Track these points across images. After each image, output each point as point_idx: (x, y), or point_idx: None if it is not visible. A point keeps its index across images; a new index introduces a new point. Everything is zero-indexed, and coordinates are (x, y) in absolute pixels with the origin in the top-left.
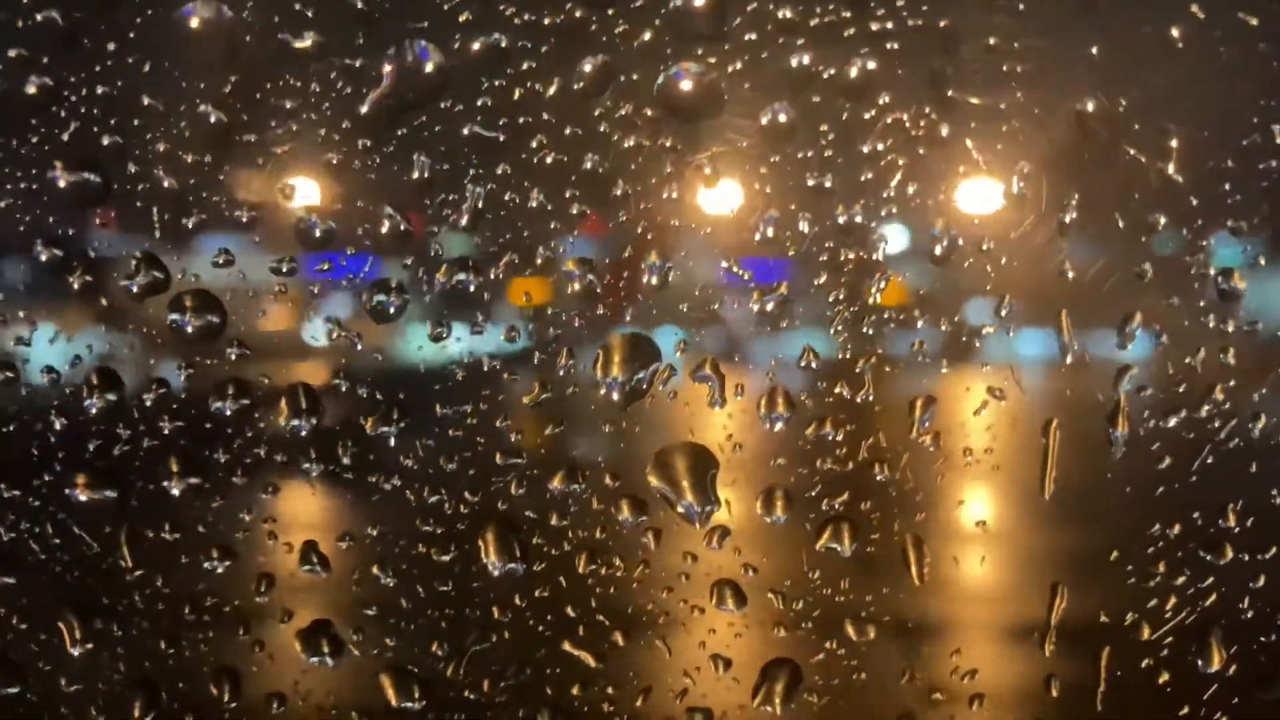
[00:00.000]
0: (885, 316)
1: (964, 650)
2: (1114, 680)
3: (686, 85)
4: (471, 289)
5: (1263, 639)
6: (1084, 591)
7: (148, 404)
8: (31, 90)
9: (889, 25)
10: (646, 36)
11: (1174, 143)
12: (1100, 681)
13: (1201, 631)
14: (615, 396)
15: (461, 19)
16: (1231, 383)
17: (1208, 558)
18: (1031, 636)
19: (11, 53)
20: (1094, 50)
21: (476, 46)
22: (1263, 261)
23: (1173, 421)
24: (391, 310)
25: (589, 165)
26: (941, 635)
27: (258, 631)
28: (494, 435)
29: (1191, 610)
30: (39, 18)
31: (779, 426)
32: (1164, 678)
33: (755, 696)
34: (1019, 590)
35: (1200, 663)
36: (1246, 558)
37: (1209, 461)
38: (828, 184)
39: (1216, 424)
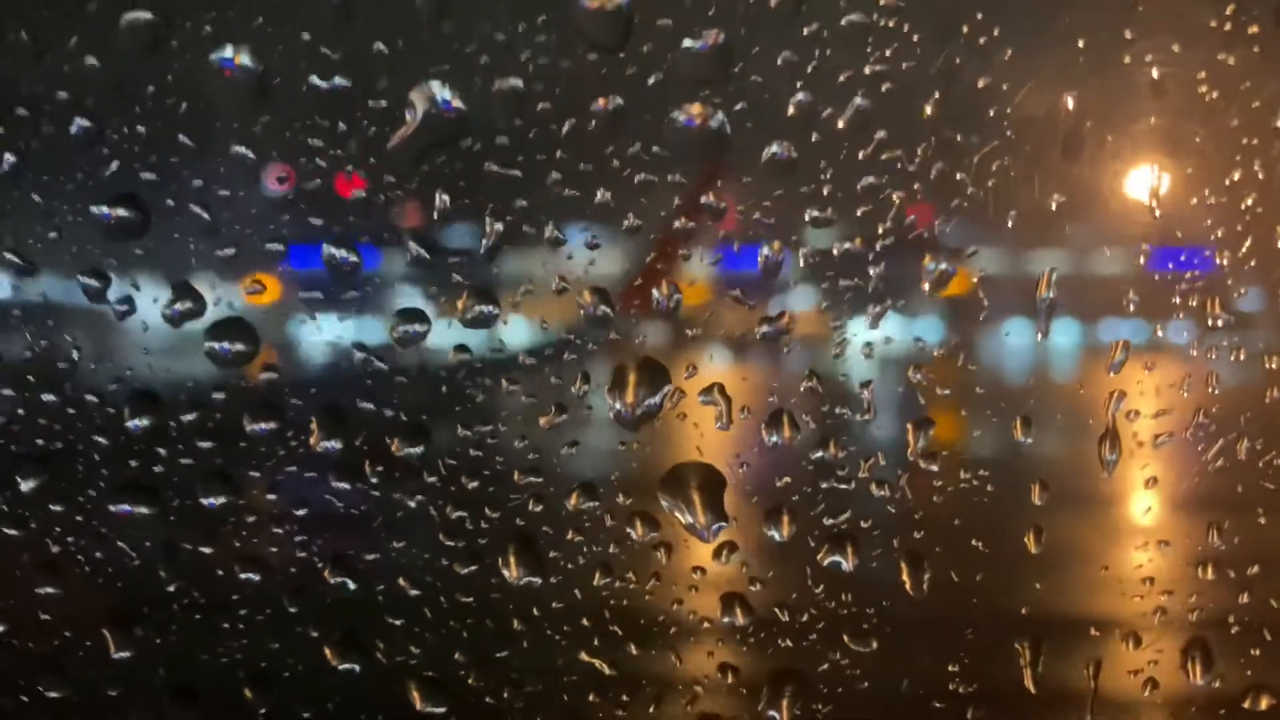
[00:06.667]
0: (885, 340)
1: (962, 661)
2: (1105, 691)
3: (693, 124)
4: (490, 315)
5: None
6: (1075, 605)
7: (185, 424)
8: (76, 131)
9: (883, 68)
10: (655, 79)
11: (1163, 177)
12: (1092, 692)
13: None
14: (627, 418)
15: (480, 63)
16: None
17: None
18: (1025, 648)
19: (58, 96)
20: (1079, 88)
21: (494, 89)
22: None
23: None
24: (415, 337)
25: (601, 199)
26: (941, 646)
27: (289, 640)
28: (512, 454)
29: (1181, 624)
30: (84, 63)
31: (783, 446)
32: (1153, 689)
33: (762, 704)
34: (1014, 602)
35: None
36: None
37: None
38: (828, 216)
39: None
